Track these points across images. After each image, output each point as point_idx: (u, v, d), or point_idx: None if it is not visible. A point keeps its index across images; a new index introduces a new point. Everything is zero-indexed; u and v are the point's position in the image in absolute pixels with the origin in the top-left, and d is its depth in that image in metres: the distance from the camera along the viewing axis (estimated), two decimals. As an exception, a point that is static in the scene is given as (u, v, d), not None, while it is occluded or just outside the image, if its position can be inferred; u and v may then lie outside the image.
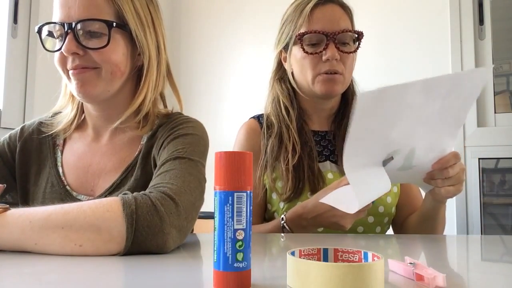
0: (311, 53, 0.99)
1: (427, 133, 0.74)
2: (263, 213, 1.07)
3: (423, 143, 0.75)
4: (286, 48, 1.06)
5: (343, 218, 0.83)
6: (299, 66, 1.03)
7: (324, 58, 0.98)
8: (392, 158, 0.75)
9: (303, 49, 0.99)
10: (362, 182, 0.72)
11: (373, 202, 0.84)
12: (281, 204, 0.99)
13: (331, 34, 0.98)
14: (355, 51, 1.03)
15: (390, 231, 1.09)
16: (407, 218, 1.05)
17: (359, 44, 1.04)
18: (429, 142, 0.76)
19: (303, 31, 0.99)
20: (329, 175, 1.01)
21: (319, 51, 0.99)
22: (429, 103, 0.69)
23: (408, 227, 1.04)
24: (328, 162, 1.04)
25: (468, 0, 1.89)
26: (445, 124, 0.74)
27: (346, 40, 1.01)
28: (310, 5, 1.00)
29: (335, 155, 1.05)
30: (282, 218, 0.92)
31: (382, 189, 0.75)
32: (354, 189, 0.72)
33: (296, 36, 1.01)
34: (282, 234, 0.84)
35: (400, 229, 1.07)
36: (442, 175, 0.80)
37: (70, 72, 0.75)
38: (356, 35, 1.02)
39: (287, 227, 0.91)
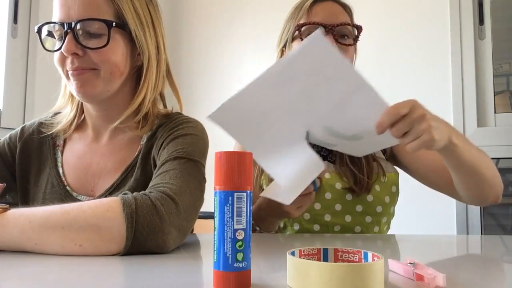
0: None
1: (332, 110, 0.67)
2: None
3: (335, 118, 0.69)
4: (287, 46, 1.06)
5: (287, 205, 0.81)
6: None
7: None
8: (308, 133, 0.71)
9: (302, 41, 0.99)
10: (285, 172, 0.69)
11: (316, 186, 0.84)
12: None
13: (330, 26, 0.98)
14: (354, 44, 1.02)
15: (389, 231, 1.09)
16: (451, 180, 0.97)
17: (357, 37, 1.03)
18: (345, 116, 0.68)
19: (302, 22, 1.00)
20: (327, 175, 1.01)
21: None
22: (300, 86, 0.63)
23: (455, 187, 0.95)
24: (326, 162, 1.04)
25: (468, 0, 1.89)
26: (348, 95, 0.64)
27: (345, 33, 1.01)
28: (310, 0, 1.01)
29: (333, 155, 1.05)
30: None
31: (314, 169, 0.70)
32: (280, 181, 0.70)
33: (295, 28, 1.01)
34: None
35: (455, 193, 0.98)
36: (394, 135, 0.69)
37: (70, 72, 0.75)
38: (356, 30, 1.02)
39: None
